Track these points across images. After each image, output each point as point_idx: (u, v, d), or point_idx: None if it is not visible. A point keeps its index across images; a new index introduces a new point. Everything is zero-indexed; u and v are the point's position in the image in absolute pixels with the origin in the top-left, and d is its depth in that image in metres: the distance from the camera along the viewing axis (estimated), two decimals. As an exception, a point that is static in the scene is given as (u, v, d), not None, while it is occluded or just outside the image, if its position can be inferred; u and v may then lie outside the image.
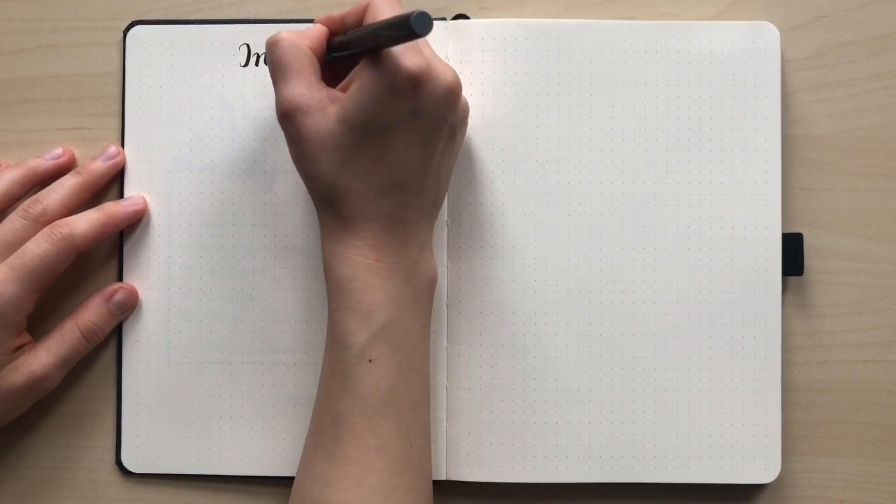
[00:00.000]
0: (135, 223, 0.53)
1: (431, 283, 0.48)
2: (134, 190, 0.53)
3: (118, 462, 0.53)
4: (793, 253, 0.52)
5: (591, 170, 0.52)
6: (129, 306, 0.53)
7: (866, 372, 0.53)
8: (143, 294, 0.53)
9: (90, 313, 0.51)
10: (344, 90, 0.45)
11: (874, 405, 0.53)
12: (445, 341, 0.52)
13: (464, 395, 0.52)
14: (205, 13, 0.54)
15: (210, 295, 0.53)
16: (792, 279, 0.53)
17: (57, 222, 0.50)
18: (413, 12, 0.39)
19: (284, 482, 0.52)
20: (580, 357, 0.52)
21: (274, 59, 0.46)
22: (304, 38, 0.46)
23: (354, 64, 0.46)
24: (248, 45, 0.53)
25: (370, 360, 0.45)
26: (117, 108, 0.54)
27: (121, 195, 0.53)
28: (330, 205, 0.46)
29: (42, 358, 0.50)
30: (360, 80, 0.44)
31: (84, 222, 0.50)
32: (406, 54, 0.43)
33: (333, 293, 0.46)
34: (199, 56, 0.53)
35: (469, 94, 0.52)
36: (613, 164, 0.52)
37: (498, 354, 0.52)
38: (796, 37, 0.53)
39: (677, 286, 0.52)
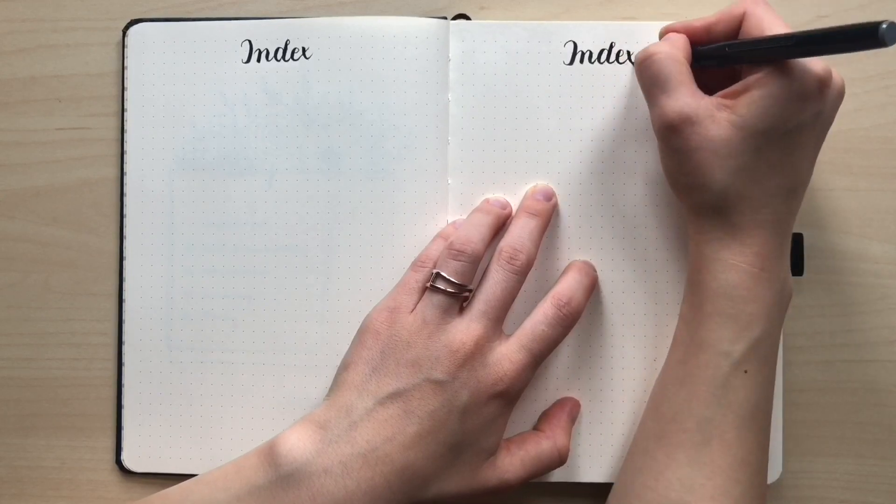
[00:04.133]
0: (135, 225, 0.53)
1: (791, 295, 0.47)
2: (135, 189, 0.53)
3: (118, 462, 0.53)
4: (793, 253, 0.52)
5: (591, 170, 0.52)
6: (575, 415, 0.52)
7: (867, 372, 0.53)
8: (144, 294, 0.53)
9: (563, 437, 0.50)
10: (729, 97, 0.45)
11: (875, 405, 0.53)
12: (446, 341, 0.52)
13: (464, 395, 0.52)
14: (205, 11, 0.54)
15: (210, 295, 0.53)
16: (792, 279, 0.53)
17: (564, 298, 0.48)
18: (883, 22, 0.38)
19: (285, 482, 0.52)
20: (580, 357, 0.52)
21: (651, 73, 0.46)
22: (677, 48, 0.46)
23: (713, 70, 0.47)
24: (249, 42, 0.53)
25: (745, 371, 0.45)
26: (117, 108, 0.54)
27: (121, 194, 0.53)
28: (717, 212, 0.45)
29: (518, 472, 0.48)
30: (763, 86, 0.44)
31: (584, 295, 0.49)
32: (812, 58, 0.44)
33: (711, 298, 0.45)
34: (200, 53, 0.53)
35: (470, 94, 0.52)
36: (614, 164, 0.52)
37: (498, 354, 0.52)
38: (797, 37, 0.53)
39: (679, 286, 0.52)
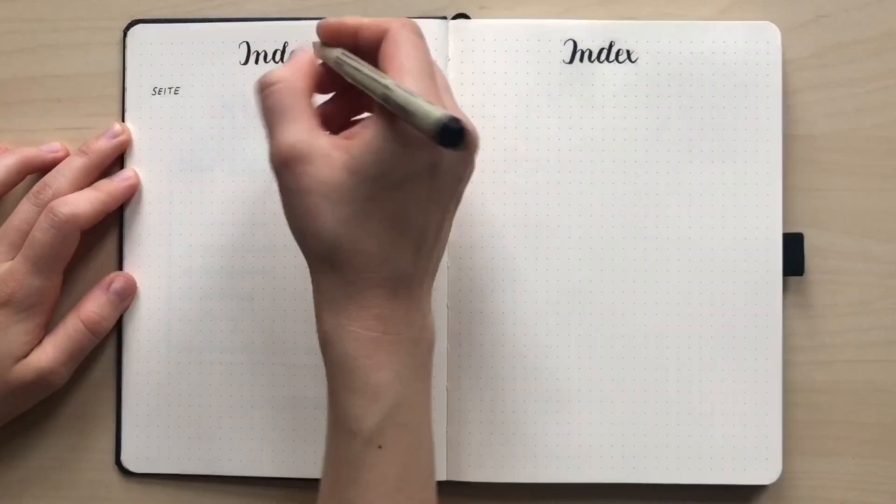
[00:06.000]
0: (135, 225, 0.53)
1: (432, 347, 0.44)
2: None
3: (118, 462, 0.53)
4: (793, 253, 0.52)
5: (591, 170, 0.52)
6: (128, 294, 0.52)
7: (867, 372, 0.53)
8: (144, 294, 0.53)
9: (91, 304, 0.51)
10: (349, 137, 0.41)
11: (875, 405, 0.53)
12: (445, 342, 0.52)
13: (464, 395, 0.52)
14: (204, 12, 0.54)
15: (210, 295, 0.53)
16: (793, 279, 0.53)
17: (55, 204, 0.49)
18: (444, 118, 0.36)
19: (284, 483, 0.52)
20: (580, 357, 0.52)
21: (269, 104, 0.42)
22: (299, 76, 0.43)
23: (352, 102, 0.45)
24: (247, 44, 0.53)
25: (380, 447, 0.41)
26: (117, 108, 0.54)
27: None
28: (331, 267, 0.41)
29: (49, 353, 0.50)
30: (376, 127, 0.40)
31: (84, 202, 0.50)
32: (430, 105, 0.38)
33: (334, 372, 0.42)
34: (199, 55, 0.53)
35: (469, 94, 0.52)
36: (614, 163, 0.52)
37: (498, 355, 0.52)
38: (796, 36, 0.53)
39: (678, 286, 0.52)
